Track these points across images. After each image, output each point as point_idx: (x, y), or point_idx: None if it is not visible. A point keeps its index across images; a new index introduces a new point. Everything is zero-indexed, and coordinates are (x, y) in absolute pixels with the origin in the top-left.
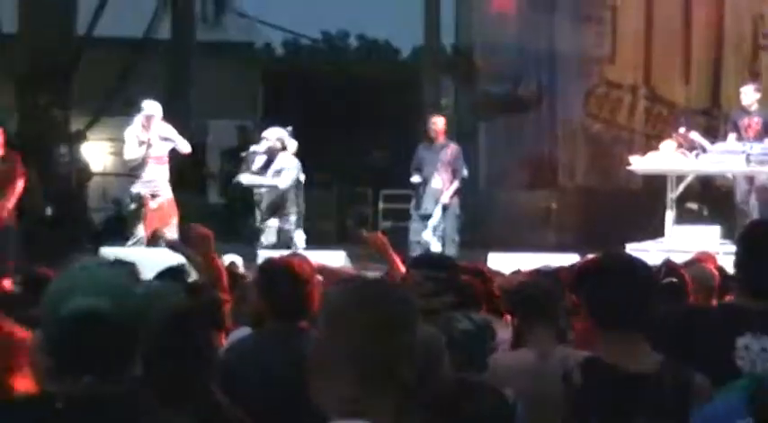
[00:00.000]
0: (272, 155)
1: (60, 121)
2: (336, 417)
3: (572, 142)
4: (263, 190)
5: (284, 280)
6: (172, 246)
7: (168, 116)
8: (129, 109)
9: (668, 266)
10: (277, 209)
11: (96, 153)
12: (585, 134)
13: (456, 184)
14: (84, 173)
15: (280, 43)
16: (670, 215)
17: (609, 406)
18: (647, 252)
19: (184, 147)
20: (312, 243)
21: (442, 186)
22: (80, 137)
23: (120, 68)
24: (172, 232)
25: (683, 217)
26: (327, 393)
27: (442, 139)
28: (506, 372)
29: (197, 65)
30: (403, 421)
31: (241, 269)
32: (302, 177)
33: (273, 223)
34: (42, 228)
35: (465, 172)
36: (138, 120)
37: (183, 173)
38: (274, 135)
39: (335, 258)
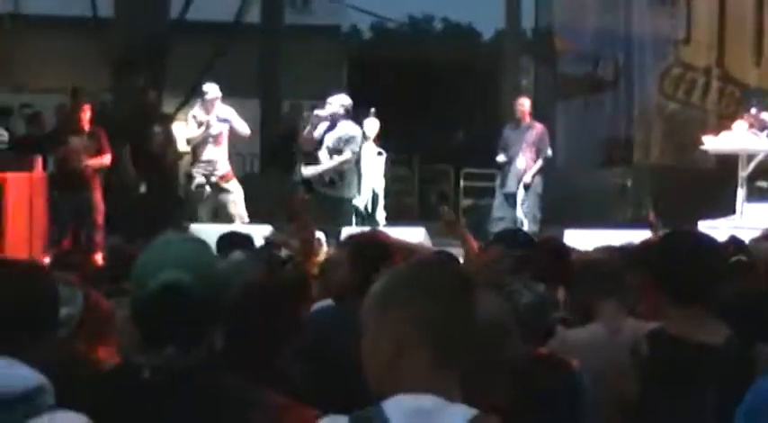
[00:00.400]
0: (334, 121)
1: (154, 103)
2: (403, 390)
3: (647, 122)
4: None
5: (374, 253)
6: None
7: (259, 97)
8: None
9: (736, 244)
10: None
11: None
12: (660, 114)
13: (539, 164)
14: (175, 152)
15: (366, 27)
16: (741, 193)
17: (675, 375)
18: (719, 229)
19: (243, 128)
20: (394, 219)
21: (525, 166)
22: (172, 118)
23: (212, 52)
24: (238, 209)
25: (754, 195)
26: (394, 368)
27: (527, 119)
28: (579, 346)
29: (286, 48)
30: (471, 395)
31: (324, 246)
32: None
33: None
34: (135, 205)
35: (549, 152)
36: (199, 102)
37: (276, 151)
38: (338, 101)
39: (415, 234)
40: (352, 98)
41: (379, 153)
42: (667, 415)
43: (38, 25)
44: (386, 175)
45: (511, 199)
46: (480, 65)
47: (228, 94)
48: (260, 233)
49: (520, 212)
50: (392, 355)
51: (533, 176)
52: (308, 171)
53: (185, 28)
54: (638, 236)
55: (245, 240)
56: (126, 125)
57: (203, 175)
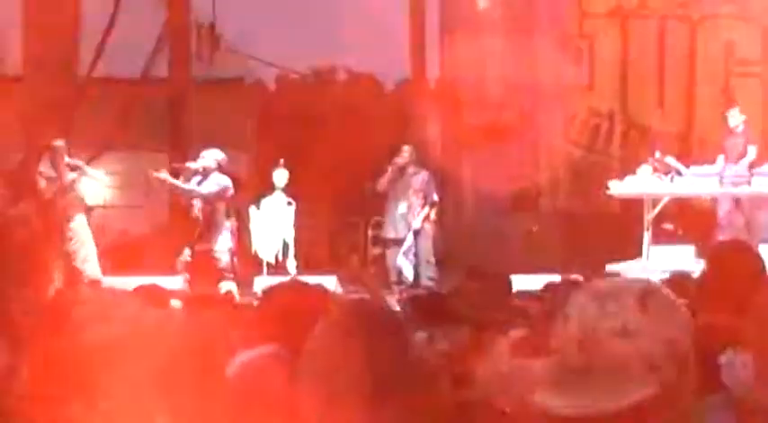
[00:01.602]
0: (206, 173)
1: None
2: None
3: (552, 168)
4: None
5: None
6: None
7: (167, 148)
8: (129, 145)
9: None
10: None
11: (97, 187)
12: (566, 159)
13: (426, 210)
14: (85, 206)
15: (271, 78)
16: (647, 236)
17: None
18: (627, 272)
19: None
20: (304, 268)
21: (409, 211)
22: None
23: (121, 105)
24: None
25: (660, 237)
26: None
27: (412, 167)
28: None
29: (193, 100)
30: None
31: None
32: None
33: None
34: None
35: (435, 197)
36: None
37: None
38: (211, 156)
39: (327, 283)
40: (260, 149)
41: (289, 203)
42: None
43: None
44: (295, 225)
45: (398, 245)
46: (385, 114)
47: (137, 148)
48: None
49: (401, 259)
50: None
51: (422, 222)
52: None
53: (94, 83)
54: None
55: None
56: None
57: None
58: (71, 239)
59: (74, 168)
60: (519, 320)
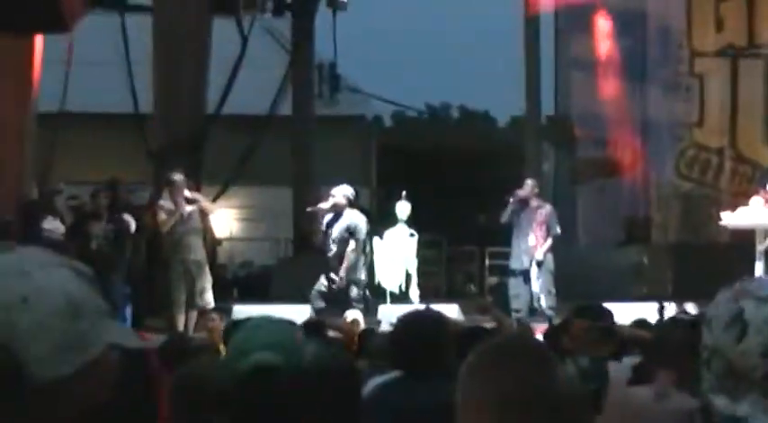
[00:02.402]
0: (338, 211)
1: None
2: None
3: (664, 201)
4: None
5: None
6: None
7: (292, 185)
8: (255, 180)
9: None
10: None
11: (225, 220)
12: (677, 193)
13: (549, 242)
14: (213, 239)
15: (389, 115)
16: (760, 266)
17: None
18: None
19: (210, 206)
20: (423, 298)
21: (535, 243)
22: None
23: (248, 142)
24: (206, 294)
25: None
26: None
27: (535, 200)
28: (623, 405)
29: (317, 137)
30: None
31: (362, 325)
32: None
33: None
34: None
35: (558, 230)
36: (166, 191)
37: (307, 237)
38: (341, 192)
39: (449, 311)
40: (378, 183)
41: (411, 234)
42: None
43: (83, 121)
44: (417, 256)
45: (524, 275)
46: (500, 150)
47: (263, 183)
48: (298, 314)
49: (536, 288)
50: None
51: (545, 254)
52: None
53: (221, 121)
54: (650, 310)
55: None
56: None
57: (180, 260)
58: (189, 271)
59: (191, 202)
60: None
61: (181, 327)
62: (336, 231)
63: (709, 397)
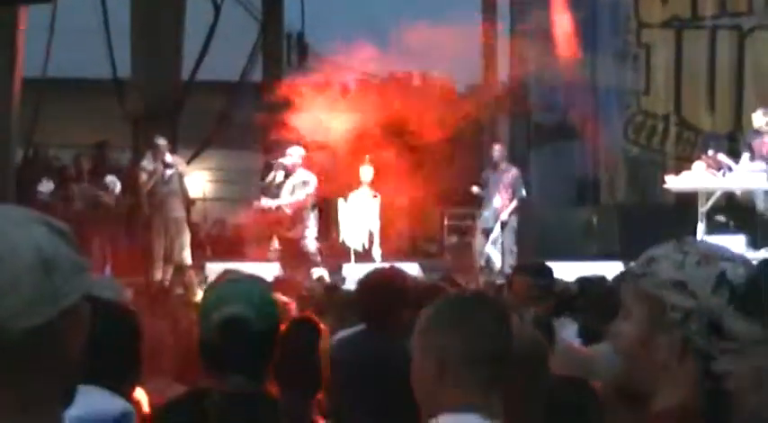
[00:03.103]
0: (292, 168)
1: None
2: (447, 410)
3: (613, 165)
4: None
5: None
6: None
7: (261, 147)
8: (228, 143)
9: None
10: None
11: (199, 181)
12: (625, 157)
13: (514, 203)
14: (187, 198)
15: (354, 83)
16: (701, 227)
17: None
18: None
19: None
20: (388, 256)
21: (501, 205)
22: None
23: (221, 107)
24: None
25: (713, 228)
26: (438, 388)
27: (503, 164)
28: (583, 361)
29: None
30: (513, 417)
31: (327, 281)
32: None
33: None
34: None
35: (523, 192)
36: (150, 153)
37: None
38: (297, 152)
39: (410, 269)
40: (346, 147)
41: (374, 196)
42: None
43: (64, 87)
44: (380, 217)
45: (488, 234)
46: (458, 116)
47: (235, 147)
48: (268, 271)
49: (490, 247)
50: (436, 376)
51: (509, 215)
52: (265, 203)
53: (195, 87)
54: (606, 267)
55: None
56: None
57: (162, 218)
58: (168, 229)
59: (170, 165)
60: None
61: (158, 279)
62: (290, 186)
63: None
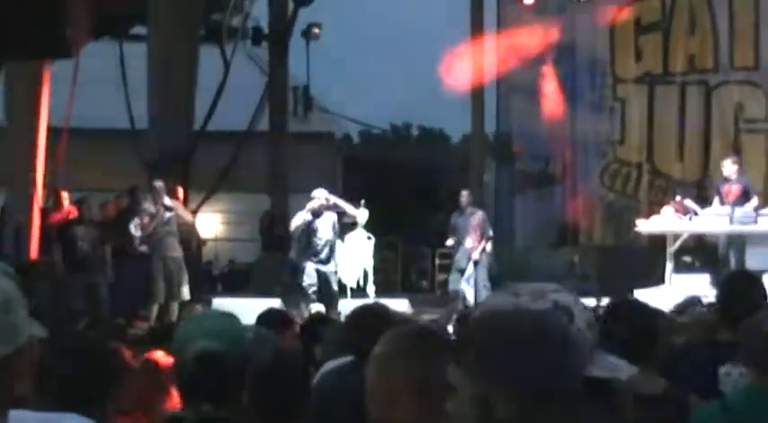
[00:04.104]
0: (320, 212)
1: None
2: None
3: (590, 209)
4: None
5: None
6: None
7: (269, 192)
8: (237, 187)
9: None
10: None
11: (211, 223)
12: (601, 202)
13: (483, 243)
14: (198, 239)
15: (356, 133)
16: (669, 266)
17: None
18: (651, 296)
19: (187, 216)
20: (381, 292)
21: (471, 246)
22: (196, 212)
23: (230, 154)
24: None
25: (680, 267)
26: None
27: (469, 208)
28: None
29: (290, 151)
30: None
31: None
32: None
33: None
34: None
35: (490, 232)
36: (149, 196)
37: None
38: (323, 195)
39: (400, 305)
40: (346, 192)
41: (369, 237)
42: None
43: (86, 136)
44: (374, 256)
45: (462, 273)
46: (451, 163)
47: (244, 190)
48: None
49: (464, 285)
50: (387, 404)
51: (480, 254)
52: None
53: (207, 136)
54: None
55: (283, 316)
56: None
57: (161, 257)
58: (168, 267)
59: (169, 208)
60: None
61: (153, 316)
62: (324, 228)
63: None
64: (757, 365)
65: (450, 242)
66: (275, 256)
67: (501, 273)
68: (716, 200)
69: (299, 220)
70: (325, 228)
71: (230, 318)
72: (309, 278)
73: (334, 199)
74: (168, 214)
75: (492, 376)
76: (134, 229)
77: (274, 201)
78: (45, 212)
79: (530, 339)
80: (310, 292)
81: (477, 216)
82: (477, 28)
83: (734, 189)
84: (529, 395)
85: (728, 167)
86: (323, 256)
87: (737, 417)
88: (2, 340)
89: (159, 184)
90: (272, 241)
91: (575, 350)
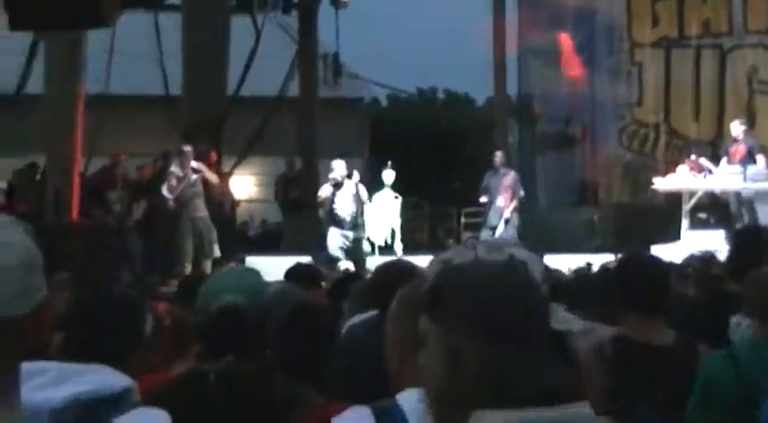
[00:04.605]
0: (341, 182)
1: (215, 162)
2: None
3: (609, 169)
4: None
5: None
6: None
7: (299, 155)
8: (268, 151)
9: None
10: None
11: (243, 185)
12: (619, 162)
13: (515, 203)
14: (232, 200)
15: (384, 97)
16: (685, 223)
17: (632, 371)
18: (668, 252)
19: (213, 178)
20: (409, 250)
21: (503, 204)
22: (230, 174)
23: (262, 119)
24: (213, 246)
25: (695, 224)
26: (405, 367)
27: (502, 168)
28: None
29: (320, 116)
30: None
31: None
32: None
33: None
34: None
35: (522, 193)
36: (176, 159)
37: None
38: (342, 166)
39: (425, 262)
40: (373, 154)
41: (396, 197)
42: (628, 405)
43: (122, 103)
44: (401, 216)
45: (493, 230)
46: (476, 125)
47: (275, 154)
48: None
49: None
50: (401, 357)
51: (511, 213)
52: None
53: (239, 102)
54: (603, 259)
55: (311, 271)
56: None
57: (189, 217)
58: (197, 227)
59: (196, 170)
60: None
61: (186, 274)
62: (344, 199)
63: None
64: (760, 316)
65: (483, 199)
66: (299, 218)
67: (524, 231)
68: (723, 159)
69: (323, 191)
70: (346, 198)
71: (252, 273)
72: (333, 243)
73: None
74: (194, 176)
75: (462, 328)
76: (165, 191)
77: (304, 164)
78: (84, 177)
79: (497, 288)
80: (335, 255)
81: (510, 176)
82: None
83: (741, 149)
84: (499, 345)
85: (736, 128)
86: (346, 225)
87: (744, 364)
88: (24, 298)
89: (188, 148)
90: (290, 204)
91: (539, 296)
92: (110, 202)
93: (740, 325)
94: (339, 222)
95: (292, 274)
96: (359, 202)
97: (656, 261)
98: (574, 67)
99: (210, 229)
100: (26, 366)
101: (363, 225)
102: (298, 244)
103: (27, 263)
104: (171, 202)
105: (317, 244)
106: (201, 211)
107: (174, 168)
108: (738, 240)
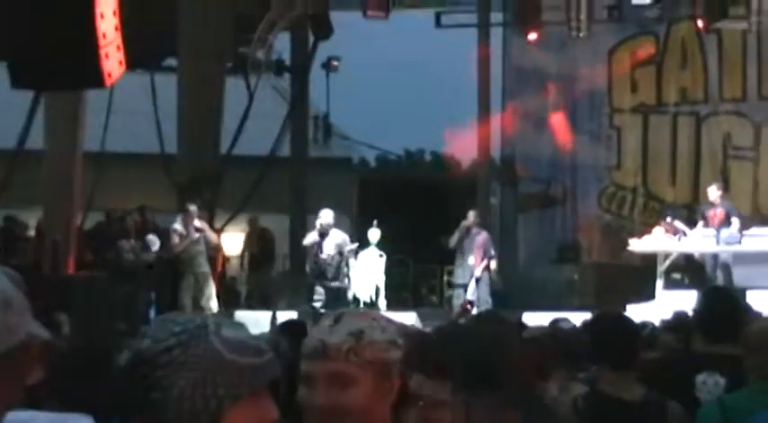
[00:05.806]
0: (326, 232)
1: (209, 218)
2: None
3: (589, 229)
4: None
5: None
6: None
7: (289, 212)
8: (260, 208)
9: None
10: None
11: (235, 241)
12: (599, 223)
13: (485, 262)
14: (223, 256)
15: (372, 158)
16: (660, 283)
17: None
18: (643, 311)
19: (213, 237)
20: (393, 307)
21: (474, 263)
22: (221, 230)
23: (254, 178)
24: (211, 301)
25: (670, 284)
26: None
27: (475, 227)
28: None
29: (310, 175)
30: None
31: None
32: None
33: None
34: None
35: (492, 252)
36: (181, 217)
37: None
38: (329, 216)
39: (408, 318)
40: (360, 214)
41: (380, 255)
42: None
43: (118, 160)
44: (386, 273)
45: (464, 288)
46: (460, 186)
47: (267, 211)
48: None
49: (475, 298)
50: None
51: (482, 271)
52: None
53: (232, 160)
54: (582, 317)
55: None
56: None
57: (191, 273)
58: (198, 282)
59: (199, 229)
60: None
61: None
62: (329, 248)
63: None
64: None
65: (452, 242)
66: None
67: (506, 289)
68: (700, 223)
69: (308, 239)
70: (330, 247)
71: (240, 327)
72: (318, 296)
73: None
74: (197, 235)
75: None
76: (152, 244)
77: (293, 220)
78: (82, 231)
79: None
80: (319, 309)
81: (482, 236)
82: (483, 63)
83: (718, 213)
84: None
85: (713, 193)
86: (329, 274)
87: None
88: (2, 335)
89: (193, 207)
90: (252, 261)
91: None
92: (122, 251)
93: (705, 383)
94: (323, 272)
95: (283, 328)
96: (343, 252)
97: (627, 319)
98: (565, 138)
99: (208, 284)
100: (13, 415)
101: (348, 274)
102: (260, 299)
103: (3, 304)
104: (155, 249)
105: (305, 298)
106: (203, 266)
107: (178, 226)
108: (703, 301)
